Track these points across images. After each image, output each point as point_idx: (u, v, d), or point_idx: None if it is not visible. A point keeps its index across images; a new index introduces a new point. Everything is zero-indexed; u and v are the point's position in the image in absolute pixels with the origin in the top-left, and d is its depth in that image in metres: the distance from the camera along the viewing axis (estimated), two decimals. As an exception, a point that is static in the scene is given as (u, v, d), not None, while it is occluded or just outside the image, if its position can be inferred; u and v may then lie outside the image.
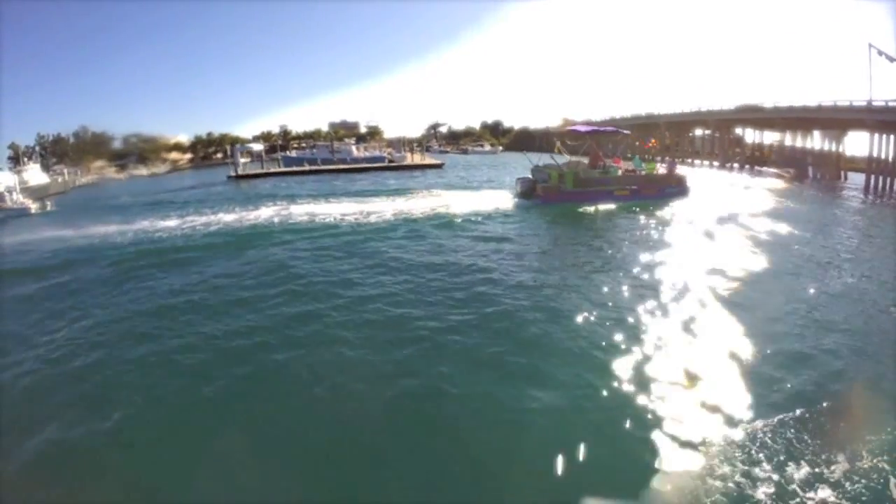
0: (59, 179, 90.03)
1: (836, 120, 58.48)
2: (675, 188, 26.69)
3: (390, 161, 67.64)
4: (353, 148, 71.13)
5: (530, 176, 27.03)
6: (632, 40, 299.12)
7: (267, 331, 10.16)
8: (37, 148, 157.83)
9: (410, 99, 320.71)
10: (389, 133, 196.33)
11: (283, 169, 54.03)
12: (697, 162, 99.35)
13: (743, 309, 10.73)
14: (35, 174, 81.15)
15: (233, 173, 51.47)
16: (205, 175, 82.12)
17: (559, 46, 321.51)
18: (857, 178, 55.19)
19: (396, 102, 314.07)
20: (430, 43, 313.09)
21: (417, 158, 64.22)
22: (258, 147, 57.90)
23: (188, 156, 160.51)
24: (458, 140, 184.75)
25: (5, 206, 46.13)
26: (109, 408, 7.60)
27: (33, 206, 44.50)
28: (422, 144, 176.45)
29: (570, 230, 20.50)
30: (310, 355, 9.03)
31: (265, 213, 24.47)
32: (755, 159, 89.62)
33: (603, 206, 23.74)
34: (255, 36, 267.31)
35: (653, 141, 32.46)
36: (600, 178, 25.46)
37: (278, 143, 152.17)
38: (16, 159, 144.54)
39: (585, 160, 27.36)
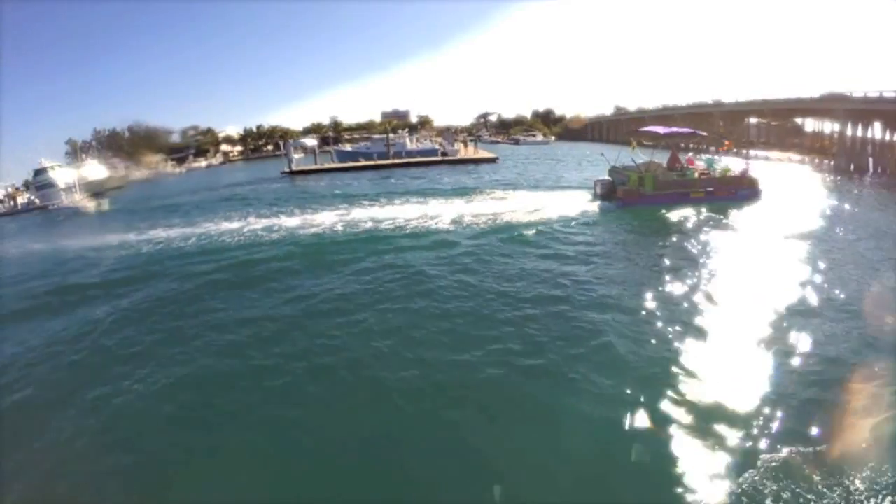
0: (117, 174, 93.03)
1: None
2: (747, 190, 25.73)
3: (443, 154, 67.06)
4: (407, 140, 70.58)
5: (607, 177, 26.65)
6: (682, 26, 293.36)
7: (354, 349, 10.17)
8: (94, 142, 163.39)
9: (458, 84, 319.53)
10: (439, 121, 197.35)
11: (336, 164, 53.69)
12: (753, 152, 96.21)
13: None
14: (94, 169, 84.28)
15: (287, 169, 51.52)
16: (258, 169, 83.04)
17: (608, 31, 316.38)
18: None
19: (444, 88, 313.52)
20: (476, 22, 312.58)
21: (470, 152, 63.02)
22: (311, 142, 57.61)
23: (239, 148, 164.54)
24: (508, 129, 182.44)
25: (62, 204, 47.49)
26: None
27: (90, 205, 45.66)
28: (472, 134, 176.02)
29: (657, 239, 18.95)
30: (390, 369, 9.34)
31: (327, 217, 23.96)
32: (815, 150, 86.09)
33: (681, 210, 22.84)
34: (297, 17, 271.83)
35: (727, 143, 30.12)
36: (678, 180, 25.00)
37: (329, 135, 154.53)
38: (73, 154, 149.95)
39: (659, 161, 26.68)
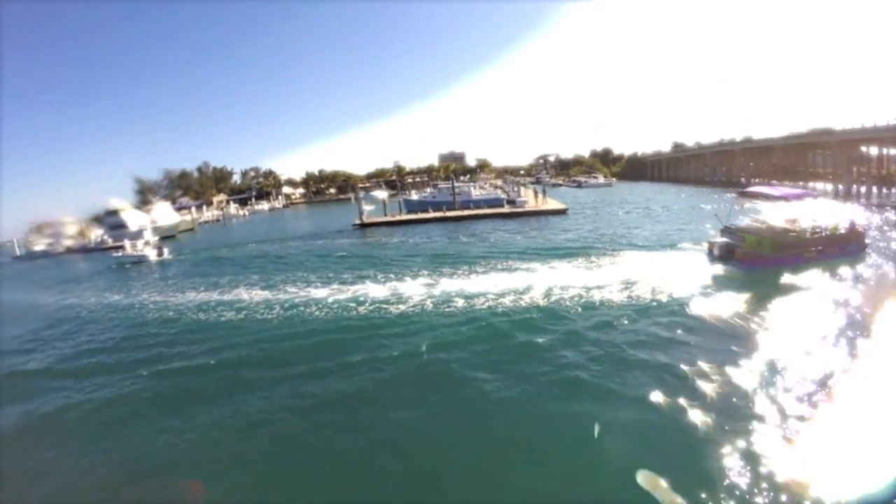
0: (188, 217, 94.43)
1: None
2: (855, 245, 26.55)
3: (508, 201, 66.48)
4: (472, 189, 70.28)
5: (721, 238, 27.15)
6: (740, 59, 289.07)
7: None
8: (165, 181, 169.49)
9: (514, 123, 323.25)
10: (497, 162, 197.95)
11: (405, 217, 53.56)
12: (819, 185, 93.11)
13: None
14: (165, 212, 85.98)
15: (358, 221, 51.70)
16: (323, 215, 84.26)
17: (663, 68, 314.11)
18: None
19: (500, 127, 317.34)
20: (533, 63, 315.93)
21: (538, 200, 61.78)
22: (382, 195, 57.65)
23: (300, 190, 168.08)
24: (567, 170, 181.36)
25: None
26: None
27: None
28: (531, 175, 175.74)
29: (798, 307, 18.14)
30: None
31: (414, 289, 22.82)
32: (883, 179, 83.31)
33: (801, 272, 23.04)
34: (326, 50, 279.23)
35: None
36: (794, 241, 25.56)
37: (394, 178, 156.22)
38: (142, 193, 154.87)
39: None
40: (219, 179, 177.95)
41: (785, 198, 27.15)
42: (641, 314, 17.64)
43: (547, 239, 37.35)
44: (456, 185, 71.83)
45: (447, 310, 19.23)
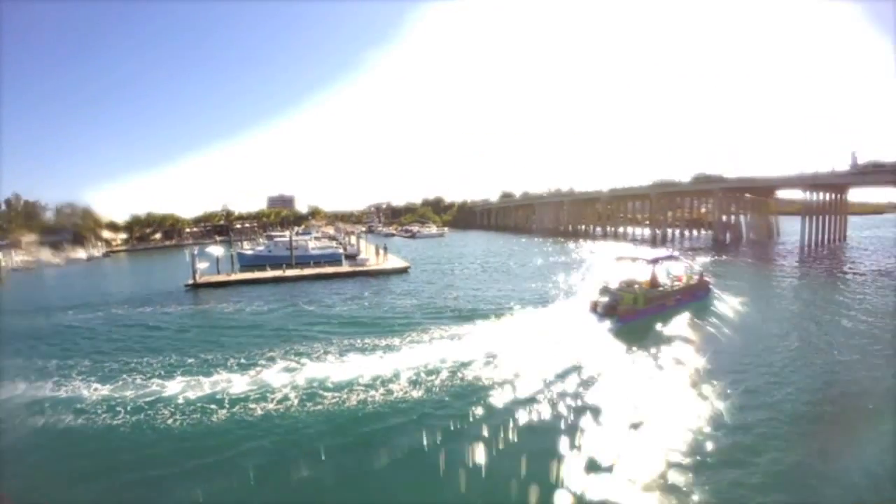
0: None
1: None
2: (703, 292, 35.80)
3: (347, 256, 66.20)
4: (309, 243, 68.89)
5: (601, 298, 31.56)
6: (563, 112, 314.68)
7: None
8: None
9: (344, 169, 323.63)
10: (328, 207, 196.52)
11: (242, 276, 50.70)
12: (637, 230, 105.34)
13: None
14: None
15: (190, 281, 47.96)
16: (148, 270, 77.10)
17: (491, 120, 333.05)
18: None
19: (330, 173, 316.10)
20: (353, 108, 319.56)
21: (378, 257, 61.64)
22: (218, 251, 54.14)
23: (123, 236, 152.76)
24: (399, 217, 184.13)
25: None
26: None
27: None
28: (363, 222, 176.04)
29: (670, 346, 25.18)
30: None
31: (274, 378, 21.17)
32: (693, 222, 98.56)
33: (665, 317, 30.19)
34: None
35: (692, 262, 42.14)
36: (660, 293, 32.31)
37: (223, 223, 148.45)
38: None
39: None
40: (29, 216, 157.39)
41: (649, 259, 34.46)
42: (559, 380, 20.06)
43: (398, 305, 37.48)
44: (285, 234, 70.75)
45: (314, 407, 18.31)
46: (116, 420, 17.97)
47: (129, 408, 18.92)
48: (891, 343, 24.73)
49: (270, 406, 18.47)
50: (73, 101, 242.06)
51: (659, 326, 28.49)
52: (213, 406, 18.64)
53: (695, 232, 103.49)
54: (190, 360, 24.56)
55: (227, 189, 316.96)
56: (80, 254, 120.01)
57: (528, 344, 25.30)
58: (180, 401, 19.31)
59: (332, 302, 39.28)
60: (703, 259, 50.07)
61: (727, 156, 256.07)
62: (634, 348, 24.65)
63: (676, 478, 13.02)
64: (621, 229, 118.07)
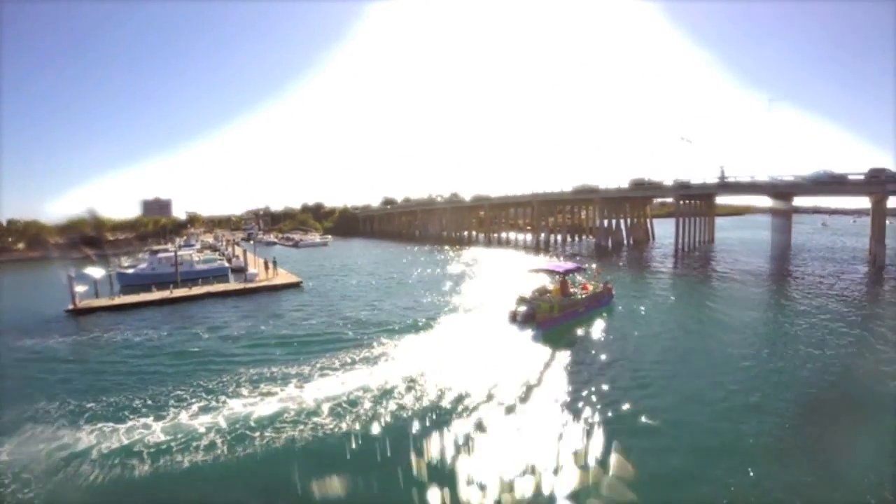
0: None
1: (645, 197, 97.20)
2: (608, 297, 39.69)
3: (234, 270, 64.36)
4: (192, 255, 65.84)
5: (519, 307, 34.49)
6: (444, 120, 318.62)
7: None
8: None
9: (220, 172, 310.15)
10: (205, 211, 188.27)
11: (128, 300, 47.01)
12: (519, 236, 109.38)
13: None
14: None
15: (71, 306, 43.97)
16: (15, 288, 69.62)
17: (375, 117, 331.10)
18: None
19: (205, 176, 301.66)
20: (231, 111, 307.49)
21: (268, 272, 59.54)
22: (97, 273, 50.09)
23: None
24: (278, 224, 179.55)
25: None
26: None
27: None
28: (243, 229, 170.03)
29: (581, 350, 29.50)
30: None
31: (191, 422, 19.82)
32: (574, 228, 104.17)
33: (578, 323, 34.27)
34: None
35: (597, 270, 47.88)
36: (572, 301, 35.49)
37: (93, 234, 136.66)
38: None
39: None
40: None
41: (566, 272, 37.78)
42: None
43: (299, 325, 37.04)
44: (168, 247, 67.67)
45: (245, 452, 17.58)
46: (27, 490, 15.61)
47: (35, 467, 16.74)
48: (759, 332, 33.55)
49: (199, 457, 17.27)
50: None
51: (575, 331, 32.73)
52: (133, 461, 17.13)
53: (576, 238, 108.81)
54: (91, 404, 22.38)
55: (93, 190, 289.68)
56: None
57: (454, 358, 26.63)
58: (94, 455, 17.46)
59: (226, 325, 37.73)
60: (594, 265, 52.76)
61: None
62: (557, 353, 27.94)
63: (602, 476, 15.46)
64: (504, 235, 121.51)
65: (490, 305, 39.81)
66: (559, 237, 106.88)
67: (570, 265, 41.58)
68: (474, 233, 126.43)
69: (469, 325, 34.54)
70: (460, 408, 20.36)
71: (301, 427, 19.25)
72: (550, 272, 40.84)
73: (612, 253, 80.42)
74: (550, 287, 38.42)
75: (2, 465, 17.18)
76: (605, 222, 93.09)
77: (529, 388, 22.55)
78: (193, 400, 22.51)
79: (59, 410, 22.06)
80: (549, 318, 32.74)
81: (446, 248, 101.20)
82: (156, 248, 75.70)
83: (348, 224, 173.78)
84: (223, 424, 19.76)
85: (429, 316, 37.17)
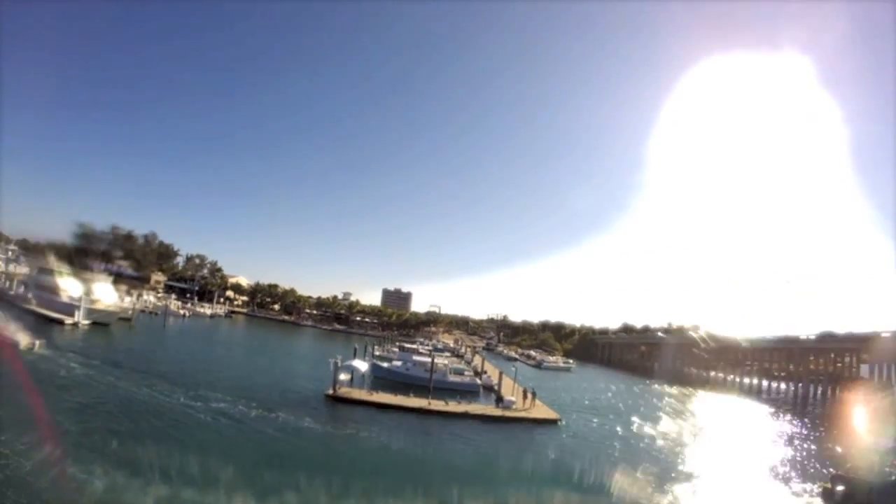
0: (127, 302, 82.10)
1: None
2: None
3: (484, 387, 61.28)
4: (448, 371, 62.95)
5: (836, 486, 27.44)
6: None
7: None
8: (110, 236, 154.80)
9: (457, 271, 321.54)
10: (445, 308, 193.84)
11: (383, 399, 45.05)
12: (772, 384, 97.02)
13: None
14: (105, 290, 73.95)
15: (331, 392, 43.32)
16: (271, 347, 75.08)
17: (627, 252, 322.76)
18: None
19: (439, 269, 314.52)
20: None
21: (525, 401, 53.78)
22: (363, 367, 49.87)
23: (244, 298, 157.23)
24: (517, 336, 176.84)
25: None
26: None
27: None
28: (480, 335, 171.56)
29: None
30: None
31: None
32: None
33: None
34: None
35: None
36: None
37: (343, 313, 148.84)
38: (83, 238, 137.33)
39: None
40: (162, 256, 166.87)
41: None
42: None
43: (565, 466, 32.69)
44: (427, 355, 66.66)
45: None
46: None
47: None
48: None
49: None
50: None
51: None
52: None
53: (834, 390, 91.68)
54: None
55: (342, 272, 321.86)
56: (206, 310, 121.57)
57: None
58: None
59: (488, 455, 34.35)
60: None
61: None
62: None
63: None
64: (750, 380, 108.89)
65: (775, 476, 33.80)
66: (818, 389, 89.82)
67: None
68: (724, 374, 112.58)
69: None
70: None
71: None
72: None
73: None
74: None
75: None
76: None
77: None
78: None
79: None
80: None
81: (691, 389, 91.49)
82: (406, 345, 75.91)
83: (587, 348, 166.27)
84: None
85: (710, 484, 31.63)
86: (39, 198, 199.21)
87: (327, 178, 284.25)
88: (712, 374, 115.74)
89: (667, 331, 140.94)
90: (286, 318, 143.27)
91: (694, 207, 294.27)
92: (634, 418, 57.89)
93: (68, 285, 68.14)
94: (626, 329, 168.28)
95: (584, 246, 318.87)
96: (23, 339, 41.66)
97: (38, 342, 42.56)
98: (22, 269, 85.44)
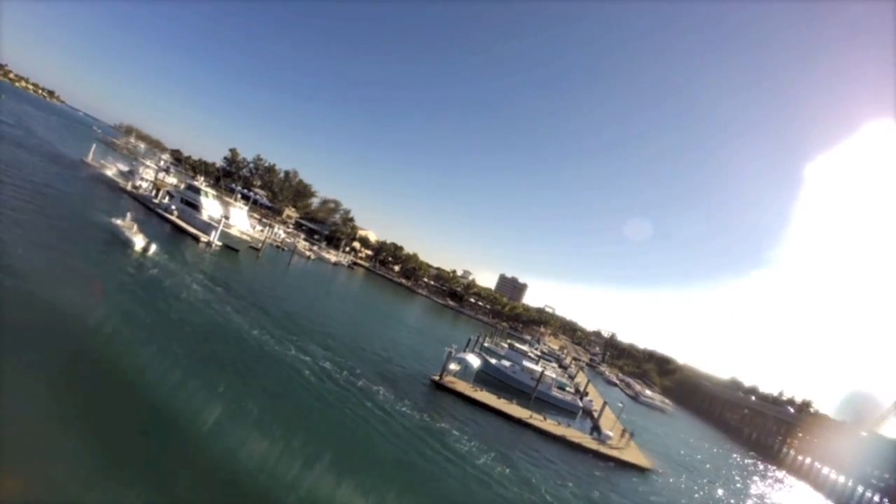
0: (259, 231, 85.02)
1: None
2: None
3: (585, 411, 60.00)
4: (553, 378, 61.79)
5: None
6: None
7: None
8: (252, 166, 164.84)
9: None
10: (560, 308, 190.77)
11: (480, 397, 44.31)
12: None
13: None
14: (240, 217, 76.29)
15: (437, 377, 43.65)
16: (385, 310, 76.24)
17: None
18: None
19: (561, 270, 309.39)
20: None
21: (622, 438, 52.69)
22: (475, 362, 49.98)
23: (368, 252, 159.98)
24: (621, 357, 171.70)
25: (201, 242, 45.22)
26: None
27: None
28: (586, 348, 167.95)
29: None
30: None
31: None
32: None
33: None
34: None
35: None
36: None
37: (458, 291, 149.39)
38: (228, 162, 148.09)
39: None
40: (299, 194, 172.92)
41: None
42: None
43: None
44: (535, 361, 65.72)
45: None
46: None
47: None
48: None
49: None
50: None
51: None
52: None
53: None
54: None
55: (462, 247, 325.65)
56: (331, 256, 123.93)
57: None
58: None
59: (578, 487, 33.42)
60: None
61: None
62: None
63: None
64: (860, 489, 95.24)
65: None
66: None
67: None
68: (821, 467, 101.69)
69: None
70: None
71: None
72: None
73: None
74: None
75: None
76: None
77: None
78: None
79: None
80: None
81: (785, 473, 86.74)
82: (517, 345, 75.23)
83: (687, 391, 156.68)
84: None
85: None
86: (209, 119, 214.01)
87: (491, 154, 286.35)
88: (807, 460, 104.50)
89: (789, 403, 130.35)
90: (403, 281, 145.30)
91: (844, 277, 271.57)
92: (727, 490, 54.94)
93: (210, 205, 71.77)
94: (734, 383, 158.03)
95: (711, 287, 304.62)
96: (139, 241, 43.72)
97: (153, 246, 44.58)
98: (171, 180, 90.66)
